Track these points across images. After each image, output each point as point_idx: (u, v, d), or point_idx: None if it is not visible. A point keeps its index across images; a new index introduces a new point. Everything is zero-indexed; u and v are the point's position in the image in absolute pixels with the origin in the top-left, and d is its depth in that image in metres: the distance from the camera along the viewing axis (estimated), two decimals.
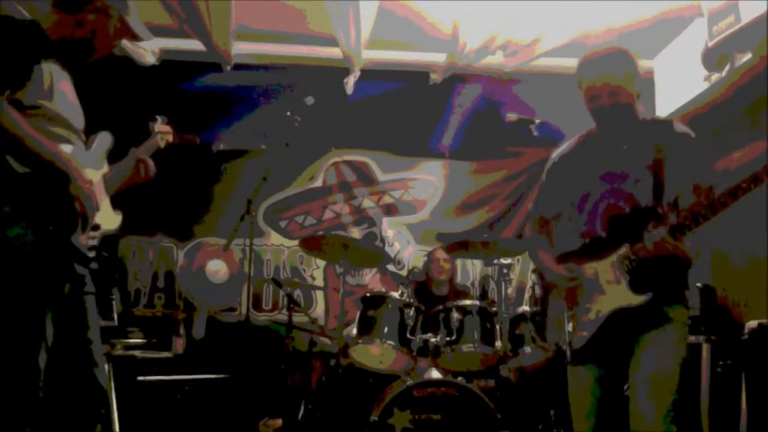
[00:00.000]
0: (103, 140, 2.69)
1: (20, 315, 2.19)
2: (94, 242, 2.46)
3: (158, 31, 5.32)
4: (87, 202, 2.28)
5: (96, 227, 2.44)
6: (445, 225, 6.08)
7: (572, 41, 5.05)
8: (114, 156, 2.80)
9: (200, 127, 5.82)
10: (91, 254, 2.44)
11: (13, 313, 2.17)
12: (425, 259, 5.60)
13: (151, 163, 2.92)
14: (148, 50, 5.42)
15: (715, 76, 4.55)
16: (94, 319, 2.48)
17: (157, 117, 3.39)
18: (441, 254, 5.12)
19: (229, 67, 5.62)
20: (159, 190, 5.41)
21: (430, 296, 5.01)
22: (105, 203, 2.66)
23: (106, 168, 2.71)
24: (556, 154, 2.94)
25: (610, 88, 2.61)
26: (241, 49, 5.55)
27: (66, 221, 2.26)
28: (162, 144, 3.28)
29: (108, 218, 2.65)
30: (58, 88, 2.36)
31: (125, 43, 5.03)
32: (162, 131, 3.32)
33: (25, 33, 2.28)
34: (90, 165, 2.51)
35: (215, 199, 5.82)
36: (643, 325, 2.54)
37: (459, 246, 4.59)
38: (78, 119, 2.48)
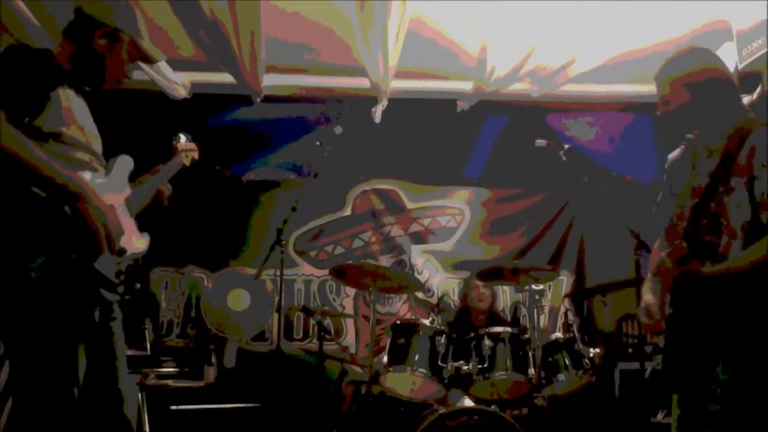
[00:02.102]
0: (124, 163, 2.68)
1: (53, 346, 2.18)
2: (120, 267, 2.45)
3: (188, 64, 5.45)
4: (107, 223, 2.21)
5: (121, 252, 2.39)
6: (472, 253, 6.06)
7: (601, 66, 5.05)
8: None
9: (231, 160, 5.93)
10: (118, 279, 2.42)
11: (45, 344, 2.17)
12: (460, 286, 5.58)
13: (168, 188, 2.96)
14: (179, 84, 5.54)
15: (746, 99, 4.50)
16: (121, 348, 2.47)
17: (180, 135, 3.34)
18: (480, 281, 5.07)
19: (259, 99, 5.70)
20: (190, 221, 5.52)
21: (470, 325, 4.97)
22: (130, 226, 2.65)
23: (128, 191, 2.71)
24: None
25: (661, 98, 2.56)
26: (271, 80, 5.62)
27: (86, 247, 2.21)
28: (187, 162, 3.27)
29: (135, 241, 2.65)
30: (76, 114, 2.37)
31: (157, 77, 5.19)
32: (186, 149, 3.29)
33: (39, 60, 2.29)
34: (111, 189, 2.50)
35: (247, 230, 5.88)
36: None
37: (492, 274, 4.57)
38: (97, 144, 2.49)
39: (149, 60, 2.64)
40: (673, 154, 2.71)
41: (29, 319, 2.15)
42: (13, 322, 2.17)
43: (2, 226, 2.13)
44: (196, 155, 3.35)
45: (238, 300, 5.53)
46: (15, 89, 2.17)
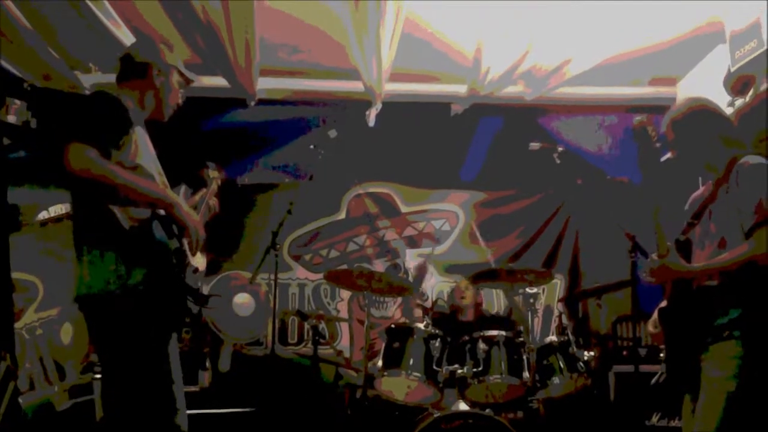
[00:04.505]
0: (185, 192, 3.04)
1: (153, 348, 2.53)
2: (197, 283, 2.77)
3: None
4: (192, 227, 2.62)
5: (196, 270, 2.75)
6: (466, 256, 6.06)
7: (595, 68, 5.05)
8: None
9: (225, 163, 5.90)
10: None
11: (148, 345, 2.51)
12: (449, 290, 5.59)
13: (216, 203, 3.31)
14: None
15: (739, 101, 4.50)
16: (176, 358, 2.66)
17: (208, 164, 3.62)
18: (463, 282, 5.20)
19: (253, 102, 5.68)
20: None
21: (456, 324, 4.98)
22: None
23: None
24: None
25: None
26: (265, 83, 5.60)
27: (176, 265, 2.58)
28: (216, 188, 3.54)
29: (198, 260, 2.91)
30: (146, 146, 2.70)
31: None
32: (215, 176, 3.58)
33: (117, 104, 2.60)
34: None
35: (242, 233, 5.87)
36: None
37: (486, 276, 4.57)
38: (161, 173, 2.77)
39: (188, 81, 3.01)
40: (696, 194, 3.01)
41: (134, 326, 2.50)
42: (118, 328, 2.51)
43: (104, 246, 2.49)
44: (220, 181, 3.66)
45: (244, 305, 5.53)
46: (101, 129, 2.49)
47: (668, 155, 2.94)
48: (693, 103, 2.95)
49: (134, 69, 2.81)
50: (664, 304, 2.82)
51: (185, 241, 2.68)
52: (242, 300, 5.51)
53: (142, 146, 2.65)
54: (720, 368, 2.55)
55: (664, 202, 2.91)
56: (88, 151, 2.37)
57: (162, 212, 2.59)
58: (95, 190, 2.43)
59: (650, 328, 2.93)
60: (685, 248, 2.73)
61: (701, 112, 2.86)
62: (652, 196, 2.92)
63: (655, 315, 2.88)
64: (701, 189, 3.01)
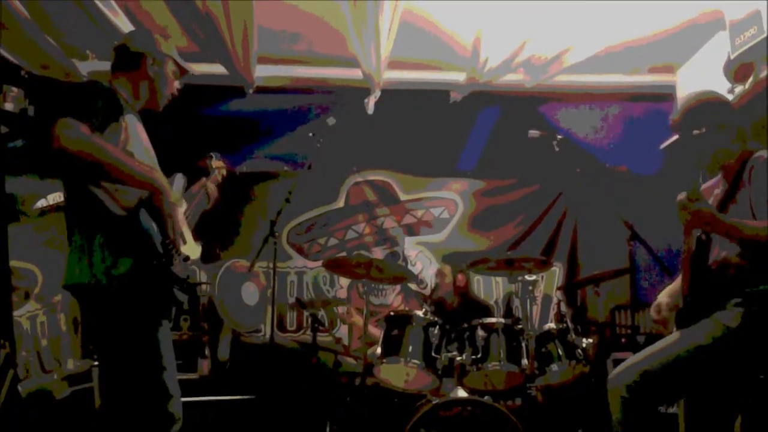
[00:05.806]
0: (179, 182, 2.95)
1: (142, 339, 2.49)
2: (186, 273, 2.68)
3: (179, 55, 5.39)
4: (171, 219, 2.54)
5: (186, 258, 2.67)
6: (464, 244, 6.06)
7: (595, 56, 5.03)
8: None
9: (224, 152, 5.88)
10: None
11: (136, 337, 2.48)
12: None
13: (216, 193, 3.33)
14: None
15: (738, 89, 4.49)
16: (168, 346, 2.62)
17: (212, 154, 3.66)
18: (446, 269, 5.28)
19: (251, 90, 5.66)
20: None
21: (445, 311, 5.00)
22: (188, 235, 2.91)
23: (184, 206, 2.99)
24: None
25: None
26: (263, 72, 5.58)
27: (163, 254, 2.51)
28: (219, 178, 3.59)
29: (192, 249, 2.89)
30: (137, 135, 2.65)
31: None
32: (218, 166, 3.63)
33: (110, 93, 2.59)
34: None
35: (241, 222, 5.86)
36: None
37: (479, 262, 4.57)
38: (155, 162, 2.73)
39: (183, 71, 2.97)
40: (706, 185, 2.97)
41: (122, 315, 2.47)
42: (107, 320, 2.49)
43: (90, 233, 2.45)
44: (225, 172, 3.70)
45: (252, 293, 5.54)
46: (88, 114, 2.42)
47: (671, 140, 2.93)
48: (704, 95, 2.93)
49: (128, 58, 2.77)
50: (667, 290, 2.85)
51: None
52: (251, 288, 5.51)
53: (133, 135, 2.61)
54: (708, 325, 2.57)
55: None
56: (77, 126, 2.32)
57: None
58: (83, 167, 2.37)
59: (653, 314, 2.92)
60: (704, 246, 2.70)
61: (712, 103, 2.84)
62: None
63: (658, 300, 2.88)
64: (713, 180, 2.96)
